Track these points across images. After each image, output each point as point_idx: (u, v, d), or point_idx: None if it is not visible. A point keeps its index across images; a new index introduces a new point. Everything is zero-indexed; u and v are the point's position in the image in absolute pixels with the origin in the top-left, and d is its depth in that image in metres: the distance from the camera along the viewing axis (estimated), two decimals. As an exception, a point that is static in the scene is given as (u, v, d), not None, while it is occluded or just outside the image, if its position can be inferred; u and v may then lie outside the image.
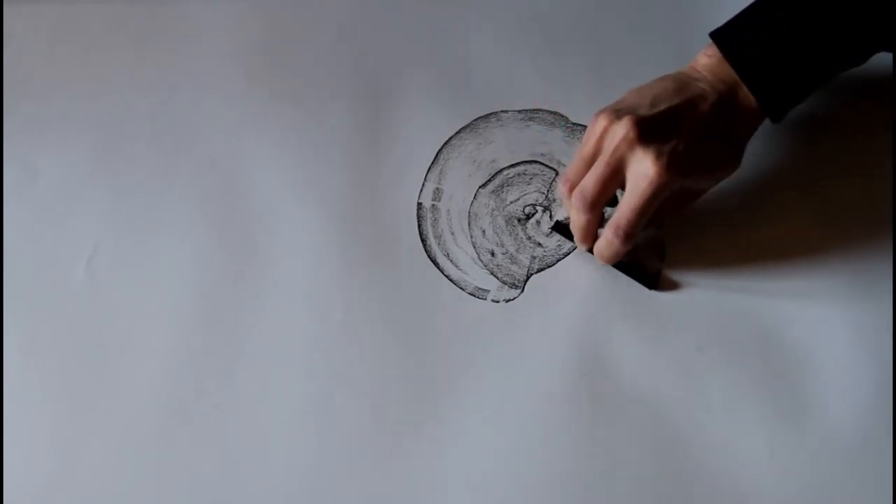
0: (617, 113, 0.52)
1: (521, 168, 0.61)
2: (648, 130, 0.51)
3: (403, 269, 0.57)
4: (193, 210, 0.59)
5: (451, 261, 0.58)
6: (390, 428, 0.52)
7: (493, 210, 0.59)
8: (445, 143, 0.62)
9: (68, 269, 0.57)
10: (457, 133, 0.62)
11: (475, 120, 0.62)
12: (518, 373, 0.53)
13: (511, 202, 0.60)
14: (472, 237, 0.59)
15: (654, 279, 0.56)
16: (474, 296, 0.56)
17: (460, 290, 0.57)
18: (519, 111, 0.63)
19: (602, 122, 0.52)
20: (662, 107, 0.52)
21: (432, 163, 0.61)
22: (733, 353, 0.53)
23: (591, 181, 0.52)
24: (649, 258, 0.57)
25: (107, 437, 0.52)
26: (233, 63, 0.65)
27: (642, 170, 0.51)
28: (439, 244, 0.58)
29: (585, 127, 0.61)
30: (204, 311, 0.56)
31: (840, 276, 0.56)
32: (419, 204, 0.59)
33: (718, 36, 0.54)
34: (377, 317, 0.55)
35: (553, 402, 0.52)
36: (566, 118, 0.62)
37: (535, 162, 0.61)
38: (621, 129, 0.51)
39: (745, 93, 0.53)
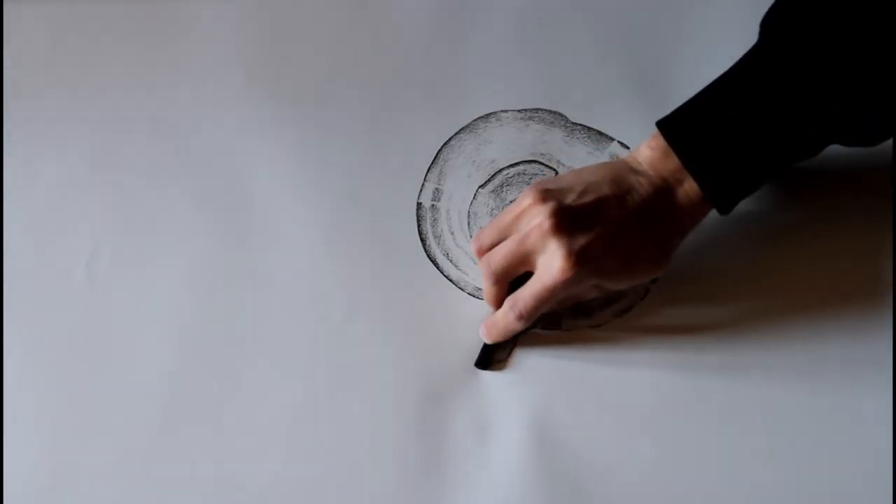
0: (545, 194, 0.50)
1: (520, 168, 0.61)
2: (566, 222, 0.49)
3: (403, 269, 0.57)
4: (193, 210, 0.59)
5: (450, 260, 0.58)
6: (390, 428, 0.52)
7: (492, 210, 0.59)
8: (445, 144, 0.62)
9: (68, 270, 0.57)
10: (456, 133, 0.62)
11: (475, 120, 0.62)
12: (517, 371, 0.53)
13: (510, 202, 0.59)
14: (471, 237, 0.59)
15: (486, 363, 0.54)
16: (474, 296, 0.56)
17: (460, 290, 0.57)
18: (519, 111, 0.63)
19: (527, 200, 0.51)
20: (589, 198, 0.50)
21: (432, 163, 0.61)
22: (731, 354, 0.53)
23: (498, 256, 0.51)
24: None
25: (107, 437, 0.52)
26: (233, 63, 0.65)
27: (550, 262, 0.49)
28: (439, 244, 0.58)
29: (585, 127, 0.61)
30: (204, 311, 0.56)
31: (839, 278, 0.56)
32: (419, 204, 0.59)
33: (664, 125, 0.52)
34: (377, 317, 0.55)
35: (553, 400, 0.53)
36: (566, 118, 0.62)
37: (535, 162, 0.61)
38: (539, 216, 0.50)
39: (687, 187, 0.51)
